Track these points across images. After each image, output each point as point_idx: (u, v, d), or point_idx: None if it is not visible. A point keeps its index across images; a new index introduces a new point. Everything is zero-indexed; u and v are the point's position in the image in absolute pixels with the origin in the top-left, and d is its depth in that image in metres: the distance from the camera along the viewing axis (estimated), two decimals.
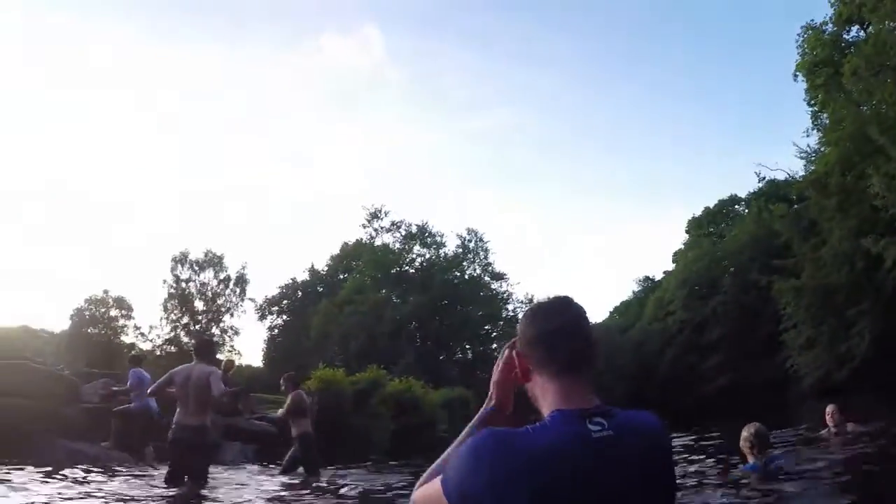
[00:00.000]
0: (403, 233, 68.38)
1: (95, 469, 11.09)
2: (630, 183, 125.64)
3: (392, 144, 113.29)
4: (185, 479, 9.66)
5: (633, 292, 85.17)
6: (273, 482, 12.03)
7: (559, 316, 2.06)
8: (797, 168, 49.75)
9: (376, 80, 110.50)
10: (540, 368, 2.03)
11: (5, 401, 12.58)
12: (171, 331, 71.17)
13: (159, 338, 70.87)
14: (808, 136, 46.98)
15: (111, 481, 10.13)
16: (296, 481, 12.02)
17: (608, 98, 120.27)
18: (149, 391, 11.28)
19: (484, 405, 2.33)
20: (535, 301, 3.03)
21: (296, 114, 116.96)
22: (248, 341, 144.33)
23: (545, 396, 2.00)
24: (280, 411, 13.57)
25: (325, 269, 75.87)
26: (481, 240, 68.18)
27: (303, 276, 75.91)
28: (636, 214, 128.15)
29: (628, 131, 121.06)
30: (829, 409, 11.99)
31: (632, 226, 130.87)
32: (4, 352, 16.19)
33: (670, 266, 73.27)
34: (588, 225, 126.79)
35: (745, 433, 7.89)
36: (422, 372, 35.77)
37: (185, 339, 69.65)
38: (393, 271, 66.21)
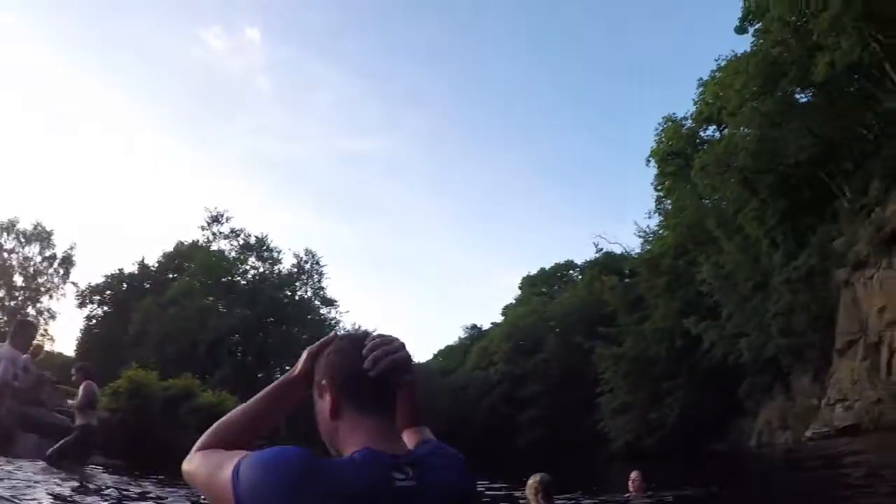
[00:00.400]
0: (241, 242, 66.96)
1: None
2: (473, 233, 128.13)
3: (247, 151, 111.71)
4: None
5: (460, 338, 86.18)
6: (65, 486, 11.37)
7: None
8: (634, 245, 52.41)
9: (246, 83, 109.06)
10: (351, 404, 1.88)
11: None
12: None
13: None
14: (649, 217, 50.00)
15: None
16: (76, 483, 11.42)
17: (468, 149, 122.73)
18: None
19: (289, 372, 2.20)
20: (352, 330, 3.01)
21: (156, 102, 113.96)
22: (64, 328, 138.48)
23: (354, 433, 1.84)
24: (72, 401, 12.94)
25: (156, 265, 72.51)
26: (318, 263, 67.57)
27: (131, 268, 72.54)
28: (473, 263, 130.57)
29: (482, 184, 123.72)
30: (634, 474, 12.36)
31: (467, 274, 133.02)
32: None
33: (499, 318, 74.60)
34: (426, 266, 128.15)
35: (531, 481, 7.79)
36: (238, 386, 34.93)
37: None
38: (224, 279, 64.70)
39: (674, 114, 47.50)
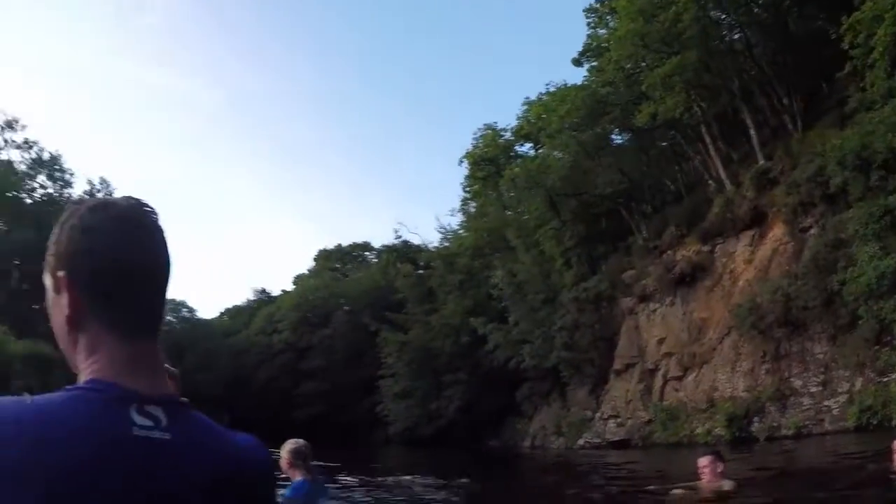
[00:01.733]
0: (34, 156, 62.40)
1: None
2: (276, 197, 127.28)
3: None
4: None
5: (248, 300, 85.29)
6: None
7: (136, 241, 1.33)
8: (432, 239, 53.92)
9: None
10: (98, 311, 1.29)
11: None
12: None
13: None
14: (452, 215, 51.60)
15: None
16: None
17: (287, 109, 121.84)
18: None
19: None
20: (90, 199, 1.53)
21: None
22: None
23: (93, 354, 1.27)
24: None
25: None
26: (111, 194, 63.95)
27: None
28: (271, 227, 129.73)
29: (296, 150, 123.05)
30: (704, 460, 10.22)
31: (265, 236, 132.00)
32: None
33: (290, 286, 74.77)
34: (224, 222, 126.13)
35: (292, 446, 6.51)
36: (11, 318, 33.72)
37: None
38: (8, 194, 59.98)
39: (495, 123, 49.25)
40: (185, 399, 1.32)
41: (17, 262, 56.15)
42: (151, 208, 1.37)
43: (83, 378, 1.25)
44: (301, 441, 6.67)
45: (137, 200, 1.37)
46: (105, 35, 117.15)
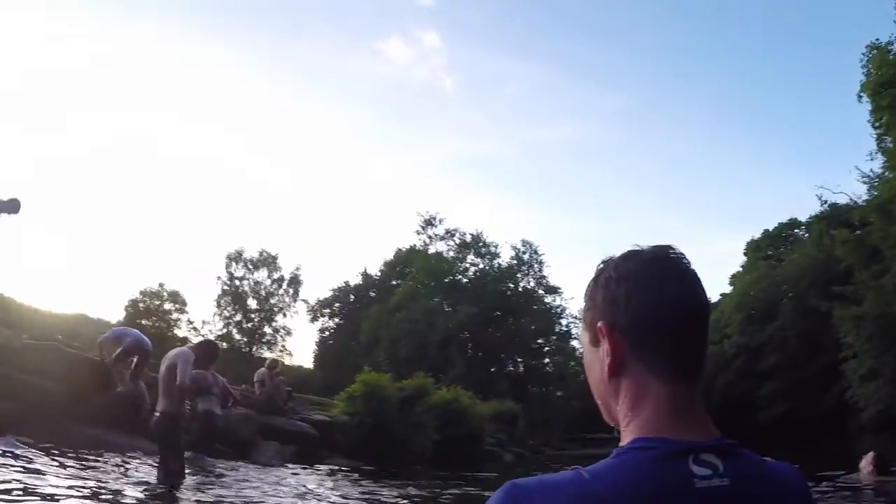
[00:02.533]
0: (458, 241, 67.93)
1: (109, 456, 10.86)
2: (687, 203, 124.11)
3: (448, 153, 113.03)
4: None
5: None
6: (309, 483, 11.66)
7: (671, 283, 1.28)
8: (860, 192, 48.21)
9: (434, 88, 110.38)
10: (640, 356, 1.25)
11: (35, 381, 12.41)
12: (224, 327, 71.60)
13: (211, 333, 71.16)
14: (871, 159, 45.13)
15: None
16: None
17: (668, 117, 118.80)
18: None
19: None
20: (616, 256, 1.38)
21: (351, 119, 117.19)
22: (300, 342, 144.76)
23: (638, 404, 1.24)
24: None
25: (378, 274, 75.64)
26: (536, 252, 67.13)
27: (356, 280, 75.83)
28: (693, 235, 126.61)
29: (688, 151, 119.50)
30: (864, 460, 10.65)
31: (688, 246, 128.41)
32: (63, 336, 16.07)
33: (727, 288, 72.02)
34: (644, 243, 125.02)
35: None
36: (471, 383, 35.34)
37: (238, 336, 70.63)
38: (446, 280, 65.51)
39: (877, 39, 43.35)
40: (733, 440, 1.22)
41: (466, 335, 59.33)
42: (678, 252, 1.35)
43: (625, 427, 1.24)
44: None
45: (664, 246, 1.35)
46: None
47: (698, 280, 1.32)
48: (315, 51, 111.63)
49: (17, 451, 9.34)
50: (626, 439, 1.22)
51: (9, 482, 7.28)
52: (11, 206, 13.12)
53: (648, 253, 1.32)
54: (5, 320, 13.84)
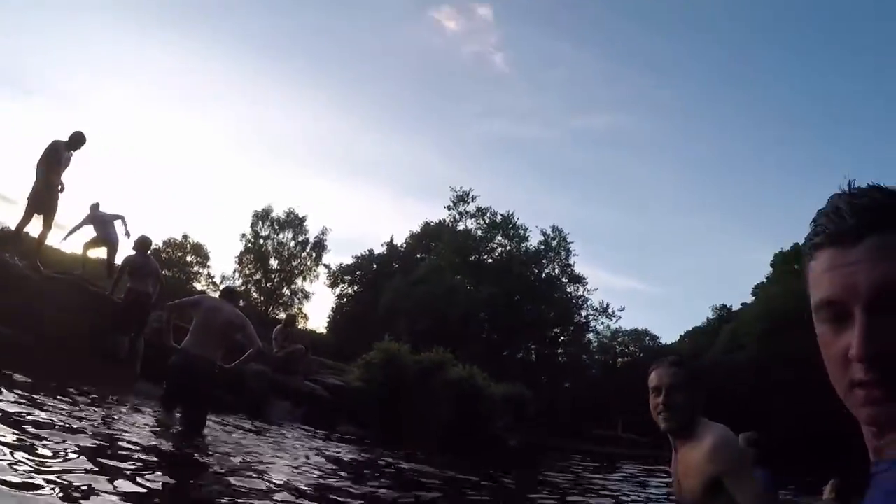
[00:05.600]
0: (487, 221, 67.00)
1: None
2: (718, 209, 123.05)
3: (489, 132, 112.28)
4: (183, 412, 9.34)
5: (708, 319, 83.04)
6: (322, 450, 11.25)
7: None
8: None
9: (482, 64, 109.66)
10: None
11: (55, 315, 12.08)
12: (243, 284, 71.87)
13: None
14: None
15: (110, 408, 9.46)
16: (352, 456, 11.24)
17: (715, 115, 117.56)
18: (170, 304, 10.35)
19: None
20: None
21: (396, 86, 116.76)
22: (317, 307, 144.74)
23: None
24: None
25: (404, 246, 75.24)
26: (565, 240, 66.27)
27: (380, 249, 75.41)
28: (723, 239, 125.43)
29: (730, 152, 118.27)
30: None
31: (715, 250, 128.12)
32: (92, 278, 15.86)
33: (749, 298, 71.40)
34: (670, 244, 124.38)
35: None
36: (484, 363, 35.05)
37: (256, 295, 71.24)
38: (471, 258, 64.94)
39: None
40: None
41: (485, 315, 58.95)
42: None
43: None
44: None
45: None
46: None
47: None
48: (367, 12, 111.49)
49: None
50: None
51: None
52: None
53: None
54: (26, 252, 13.59)
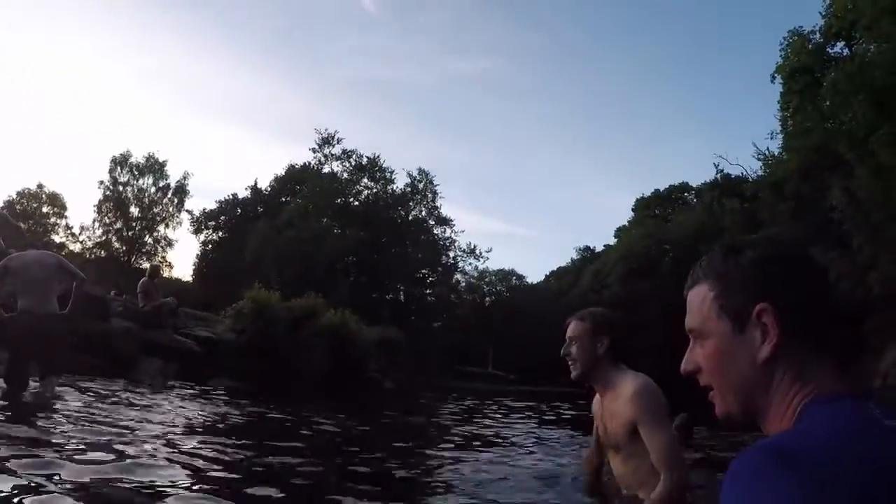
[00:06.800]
0: (353, 163, 66.79)
1: None
2: (583, 153, 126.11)
3: (355, 74, 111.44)
4: (40, 376, 9.19)
5: (572, 259, 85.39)
6: (191, 409, 11.18)
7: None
8: (755, 168, 49.71)
9: (350, 5, 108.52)
10: (804, 340, 1.26)
11: None
12: (103, 234, 69.78)
13: (90, 240, 69.54)
14: (772, 139, 46.58)
15: None
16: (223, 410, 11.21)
17: (585, 65, 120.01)
18: None
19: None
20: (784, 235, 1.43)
21: (263, 26, 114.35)
22: (181, 254, 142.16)
23: (801, 377, 1.25)
24: None
25: (269, 189, 73.54)
26: (431, 182, 66.88)
27: (244, 193, 73.66)
28: (586, 183, 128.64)
29: (596, 99, 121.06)
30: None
31: (579, 193, 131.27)
32: None
33: (612, 240, 73.51)
34: (535, 186, 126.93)
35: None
36: (355, 307, 35.30)
37: (117, 245, 69.23)
38: (338, 201, 64.64)
39: (800, 27, 44.46)
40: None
41: (353, 259, 59.01)
42: None
43: (793, 407, 1.25)
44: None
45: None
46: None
47: None
48: None
49: None
50: (795, 408, 1.24)
51: None
52: None
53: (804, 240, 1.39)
54: None
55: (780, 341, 1.26)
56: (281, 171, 73.29)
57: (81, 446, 5.96)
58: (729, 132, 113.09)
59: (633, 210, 74.79)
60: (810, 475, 1.00)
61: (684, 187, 71.82)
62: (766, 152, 47.30)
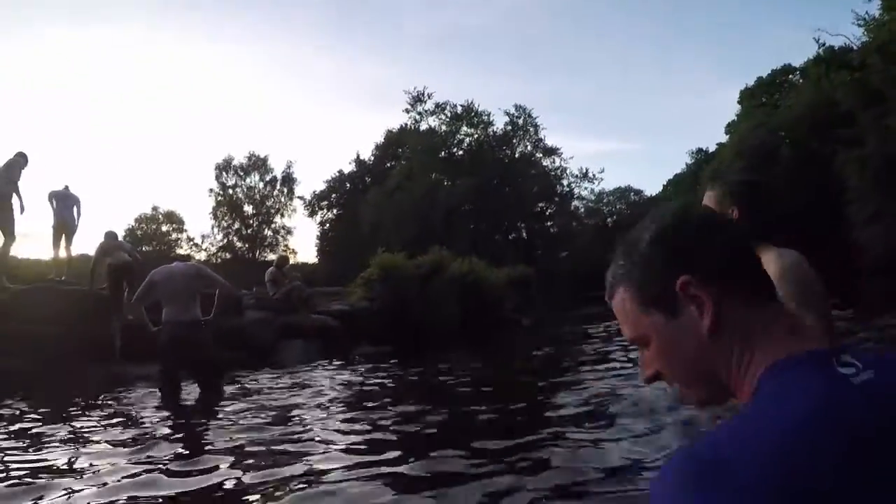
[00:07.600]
0: (449, 115, 66.49)
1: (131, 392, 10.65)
2: (678, 54, 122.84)
3: (427, 28, 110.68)
4: (199, 382, 9.58)
5: (686, 164, 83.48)
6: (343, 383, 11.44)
7: None
8: (857, 35, 47.22)
9: None
10: (739, 298, 1.18)
11: (32, 329, 12.16)
12: (224, 237, 73.20)
13: (213, 245, 72.79)
14: (869, 0, 43.85)
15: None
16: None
17: None
18: (133, 299, 10.37)
19: None
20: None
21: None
22: (302, 239, 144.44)
23: (765, 333, 1.15)
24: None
25: (372, 158, 74.69)
26: (530, 116, 66.13)
27: (349, 167, 75.25)
28: (685, 87, 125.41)
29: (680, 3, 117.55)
30: None
31: (681, 99, 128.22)
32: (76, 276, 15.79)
33: (723, 138, 71.55)
34: (634, 101, 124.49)
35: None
36: (479, 254, 35.48)
37: (239, 244, 72.16)
38: (441, 154, 64.98)
39: None
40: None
41: (469, 207, 59.13)
42: None
43: (751, 377, 1.15)
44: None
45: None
46: None
47: None
48: None
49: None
50: (753, 378, 1.14)
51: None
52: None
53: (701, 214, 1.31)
54: None
55: (717, 306, 1.17)
56: (380, 139, 73.90)
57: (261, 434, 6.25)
58: (824, 2, 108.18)
59: (738, 103, 72.35)
60: (738, 492, 0.90)
61: (788, 69, 68.99)
62: (867, 16, 44.76)
